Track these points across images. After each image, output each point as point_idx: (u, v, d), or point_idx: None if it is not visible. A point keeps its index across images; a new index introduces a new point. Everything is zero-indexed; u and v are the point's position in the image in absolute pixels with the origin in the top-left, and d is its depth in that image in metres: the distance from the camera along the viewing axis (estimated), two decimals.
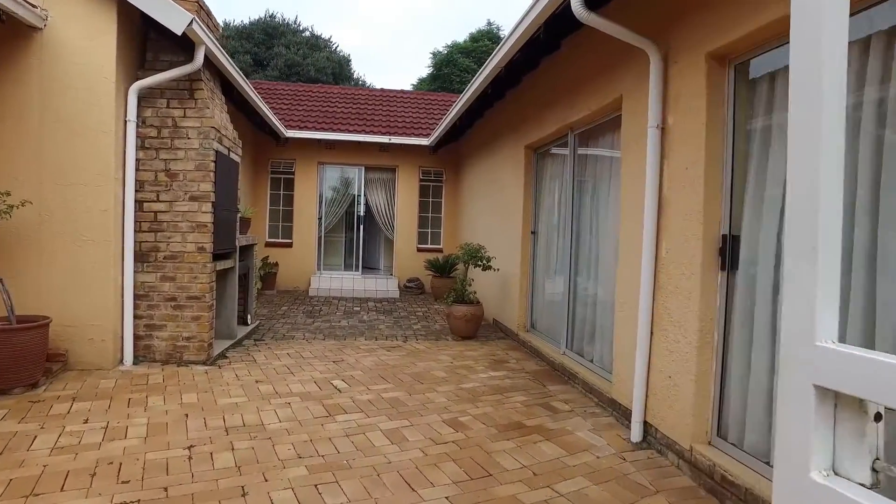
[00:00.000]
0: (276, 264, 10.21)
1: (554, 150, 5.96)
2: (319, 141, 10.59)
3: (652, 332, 3.47)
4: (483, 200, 8.71)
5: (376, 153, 10.94)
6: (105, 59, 4.41)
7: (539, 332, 6.20)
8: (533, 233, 6.50)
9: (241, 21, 28.79)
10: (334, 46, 30.22)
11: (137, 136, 4.76)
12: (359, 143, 10.63)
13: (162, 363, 4.89)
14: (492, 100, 7.32)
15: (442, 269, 9.93)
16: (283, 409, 3.90)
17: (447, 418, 3.85)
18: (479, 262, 6.67)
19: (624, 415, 3.80)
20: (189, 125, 4.85)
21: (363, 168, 11.02)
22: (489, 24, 32.57)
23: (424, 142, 10.50)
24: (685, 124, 3.20)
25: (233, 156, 5.72)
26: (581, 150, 5.25)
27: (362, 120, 10.96)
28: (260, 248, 10.53)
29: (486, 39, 29.18)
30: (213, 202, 4.94)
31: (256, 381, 4.53)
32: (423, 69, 35.91)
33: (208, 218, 4.90)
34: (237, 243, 6.05)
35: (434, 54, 29.86)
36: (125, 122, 4.66)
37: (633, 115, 3.84)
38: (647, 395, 3.50)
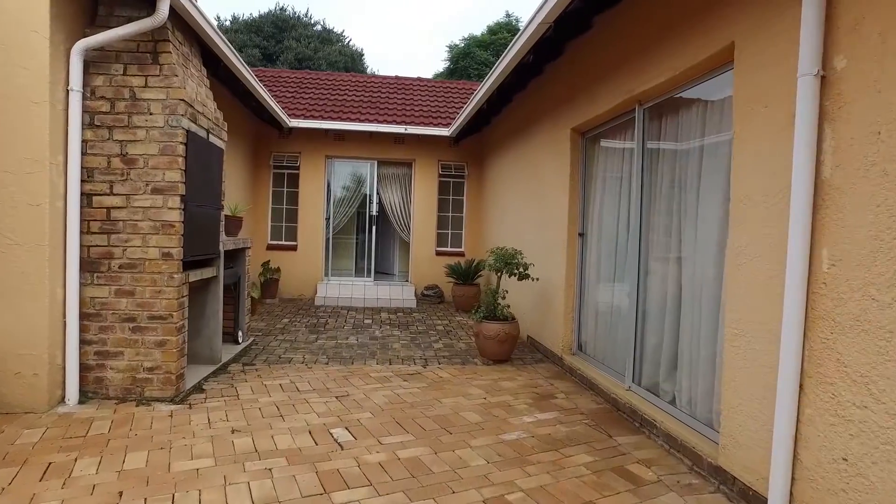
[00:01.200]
0: (278, 270, 9.20)
1: (611, 132, 4.85)
2: (327, 132, 9.57)
3: (802, 386, 2.34)
4: (513, 197, 7.60)
5: (391, 145, 9.89)
6: (35, 6, 3.41)
7: (591, 358, 5.07)
8: (581, 235, 5.38)
9: (251, 14, 28.06)
10: (347, 40, 29.35)
11: (84, 111, 3.75)
12: (371, 133, 9.60)
13: (117, 401, 3.87)
14: (526, 78, 6.23)
15: (464, 275, 8.84)
16: (260, 479, 2.83)
17: (490, 497, 2.76)
18: (515, 271, 5.56)
19: (744, 496, 2.67)
20: (151, 97, 3.83)
21: (376, 162, 9.98)
22: (507, 15, 31.48)
23: (444, 132, 9.42)
24: (871, 65, 2.07)
25: (214, 139, 4.69)
26: (654, 129, 4.12)
27: (375, 108, 9.92)
28: (260, 251, 9.54)
29: (504, 32, 28.06)
30: (182, 196, 3.91)
31: (233, 431, 3.48)
32: (440, 63, 34.91)
33: (176, 216, 3.87)
34: (222, 247, 5.03)
35: (451, 47, 28.86)
36: (67, 91, 3.65)
37: (758, 66, 2.71)
38: (793, 479, 2.36)
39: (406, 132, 9.35)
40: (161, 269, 3.85)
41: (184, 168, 3.92)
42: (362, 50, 31.52)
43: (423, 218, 10.01)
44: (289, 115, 9.14)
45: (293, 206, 9.85)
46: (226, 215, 6.02)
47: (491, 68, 6.42)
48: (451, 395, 4.44)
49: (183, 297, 4.01)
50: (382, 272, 11.83)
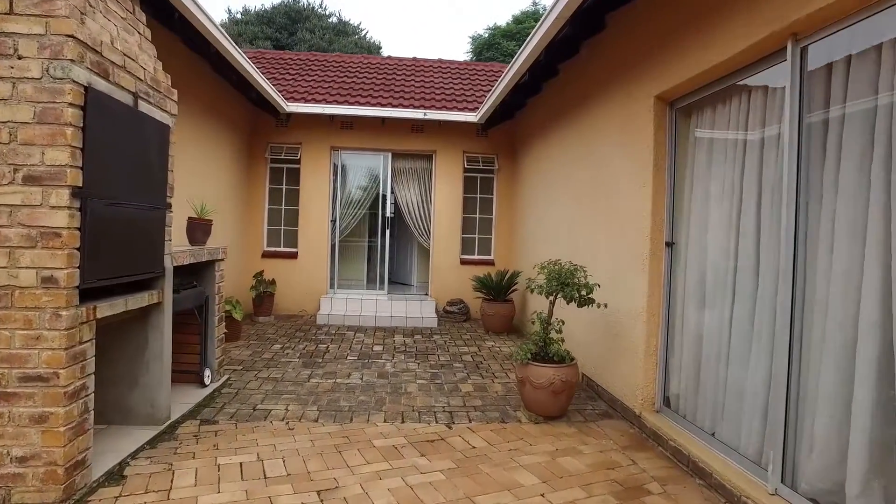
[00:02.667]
0: (273, 283, 7.85)
1: (724, 96, 3.34)
2: (332, 118, 8.20)
3: None
4: (560, 194, 6.10)
5: (407, 134, 8.48)
6: None
7: (689, 423, 3.55)
8: (669, 245, 3.88)
9: (262, 5, 27.03)
10: (364, 32, 28.14)
11: None
12: (384, 120, 8.20)
13: None
14: (581, 35, 4.77)
15: (496, 289, 7.37)
16: None
17: None
18: (575, 294, 4.07)
19: None
20: (20, 30, 2.46)
21: (390, 155, 8.58)
22: (534, 3, 29.90)
23: (471, 117, 7.98)
24: None
25: (149, 109, 3.32)
26: (821, 81, 2.62)
27: (389, 92, 8.52)
28: (253, 260, 8.22)
29: (531, 20, 26.53)
30: (75, 188, 2.53)
31: None
32: (462, 55, 33.43)
33: (63, 219, 2.50)
34: (170, 262, 3.66)
35: (473, 38, 27.45)
36: None
37: None
38: None
39: (425, 118, 7.92)
40: (40, 304, 2.48)
41: (79, 145, 2.55)
42: (380, 42, 30.26)
43: (446, 220, 8.57)
44: (286, 98, 7.80)
45: (293, 206, 8.51)
46: (191, 218, 4.68)
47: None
48: (491, 489, 2.97)
49: (81, 343, 2.64)
50: (398, 282, 10.43)
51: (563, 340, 4.24)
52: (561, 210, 6.03)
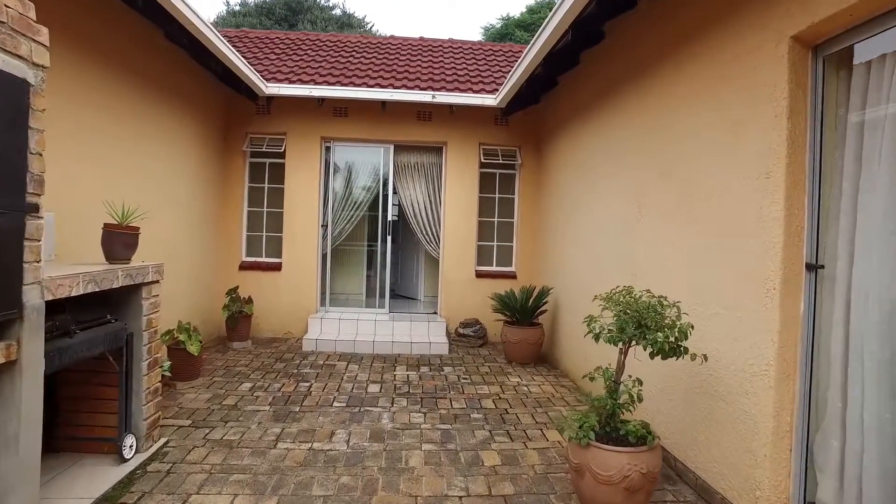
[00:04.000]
0: (250, 301, 6.54)
1: None
2: (322, 102, 6.91)
3: None
4: (608, 191, 4.74)
5: (413, 123, 7.17)
6: None
7: None
8: (814, 268, 2.53)
9: None
10: (369, 25, 26.91)
11: None
12: (385, 104, 6.90)
13: None
14: None
15: (521, 311, 6.03)
16: None
17: None
18: (659, 341, 2.71)
19: None
20: None
21: (392, 147, 7.28)
22: None
23: (489, 100, 6.65)
24: None
25: None
26: None
27: (391, 72, 7.21)
28: (230, 272, 6.94)
29: (546, 10, 25.21)
30: None
31: None
32: None
33: None
34: (36, 295, 2.36)
35: (486, 29, 26.15)
36: None
37: None
38: None
39: (434, 101, 6.60)
40: None
41: None
42: (388, 36, 29.04)
43: (459, 225, 7.24)
44: (267, 78, 6.52)
45: (277, 208, 7.22)
46: (107, 226, 3.40)
47: None
48: None
49: None
50: (402, 295, 9.12)
51: (632, 400, 2.88)
52: (608, 214, 4.68)
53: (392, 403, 4.67)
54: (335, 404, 4.59)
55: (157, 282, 3.57)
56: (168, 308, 4.92)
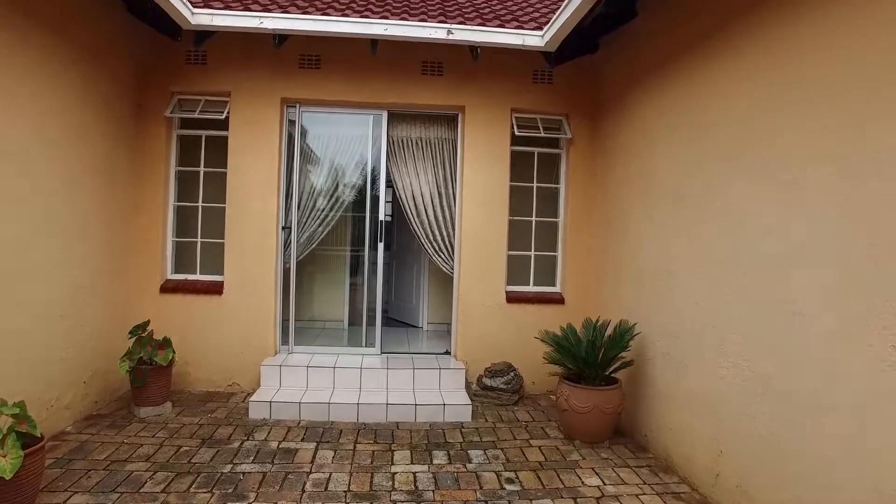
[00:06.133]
0: (166, 344, 4.29)
1: None
2: (281, 42, 4.69)
3: None
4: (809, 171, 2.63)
5: (416, 78, 5.01)
6: None
7: None
8: None
9: None
10: None
11: None
12: (376, 43, 4.70)
13: None
14: None
15: (590, 360, 3.87)
16: None
17: None
18: None
19: None
20: None
21: (385, 115, 5.11)
22: None
23: (533, 39, 4.50)
24: None
25: None
26: None
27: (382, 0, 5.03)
28: (138, 301, 4.77)
29: None
30: None
31: None
32: None
33: None
34: None
35: None
36: None
37: None
38: None
39: (451, 39, 4.43)
40: None
41: None
42: None
43: (481, 227, 5.08)
44: (193, 1, 4.32)
45: (217, 202, 5.01)
46: None
47: None
48: None
49: None
50: (397, 321, 6.95)
51: None
52: (766, 203, 2.56)
53: None
54: None
55: None
56: None
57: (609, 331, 4.07)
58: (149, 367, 4.06)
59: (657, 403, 3.74)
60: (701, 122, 3.34)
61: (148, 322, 4.27)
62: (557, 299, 5.17)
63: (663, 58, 3.81)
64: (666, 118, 3.76)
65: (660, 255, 3.77)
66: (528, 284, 5.29)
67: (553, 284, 5.33)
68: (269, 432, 3.99)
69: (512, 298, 5.10)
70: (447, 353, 5.27)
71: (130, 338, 4.12)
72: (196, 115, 4.89)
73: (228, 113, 4.89)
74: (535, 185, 5.32)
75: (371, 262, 5.23)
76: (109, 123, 4.31)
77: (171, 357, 4.14)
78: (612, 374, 3.98)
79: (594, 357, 3.89)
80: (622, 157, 4.51)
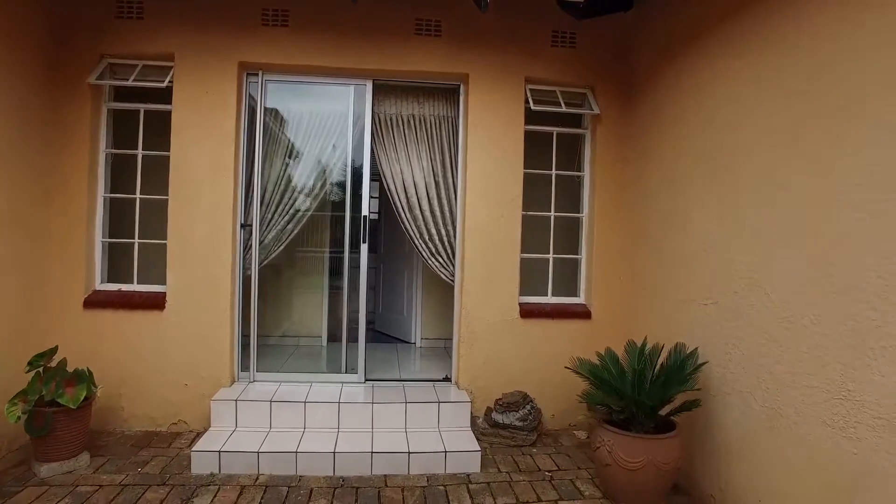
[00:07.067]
0: (81, 379, 3.28)
1: None
2: None
3: None
4: None
5: (407, 39, 4.04)
6: None
7: None
8: None
9: None
10: None
11: None
12: None
13: None
14: None
15: (637, 397, 2.94)
16: None
17: None
18: None
19: None
20: None
21: (369, 86, 4.15)
22: None
23: None
24: None
25: None
26: None
27: None
28: (59, 317, 3.74)
29: None
30: None
31: None
32: None
33: None
34: None
35: None
36: None
37: None
38: None
39: None
40: None
41: None
42: None
43: (488, 224, 4.12)
44: None
45: (159, 193, 4.00)
46: None
47: None
48: None
49: None
50: (385, 334, 6.01)
51: None
52: None
53: None
54: None
55: None
56: None
57: (661, 357, 3.14)
58: (53, 412, 3.05)
59: (731, 458, 2.81)
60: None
61: (55, 349, 3.25)
62: (581, 313, 4.23)
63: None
64: (754, 69, 2.83)
65: (741, 261, 2.84)
66: (546, 294, 4.35)
67: (575, 294, 4.40)
68: (214, 495, 3.01)
69: (526, 312, 4.15)
70: (447, 379, 4.31)
71: (29, 371, 3.11)
72: (130, 83, 3.88)
73: (172, 81, 3.89)
74: (553, 172, 4.37)
75: (352, 266, 4.26)
76: (11, 96, 3.30)
77: (83, 396, 3.13)
78: (671, 413, 3.05)
79: (646, 394, 2.96)
80: (673, 132, 3.58)
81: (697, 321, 3.16)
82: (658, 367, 3.09)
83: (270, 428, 3.65)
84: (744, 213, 2.80)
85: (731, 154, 2.93)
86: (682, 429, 3.00)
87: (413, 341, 5.61)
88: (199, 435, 3.72)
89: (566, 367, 3.29)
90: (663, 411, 3.04)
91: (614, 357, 3.22)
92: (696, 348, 3.06)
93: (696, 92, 3.27)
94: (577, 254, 4.41)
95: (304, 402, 3.70)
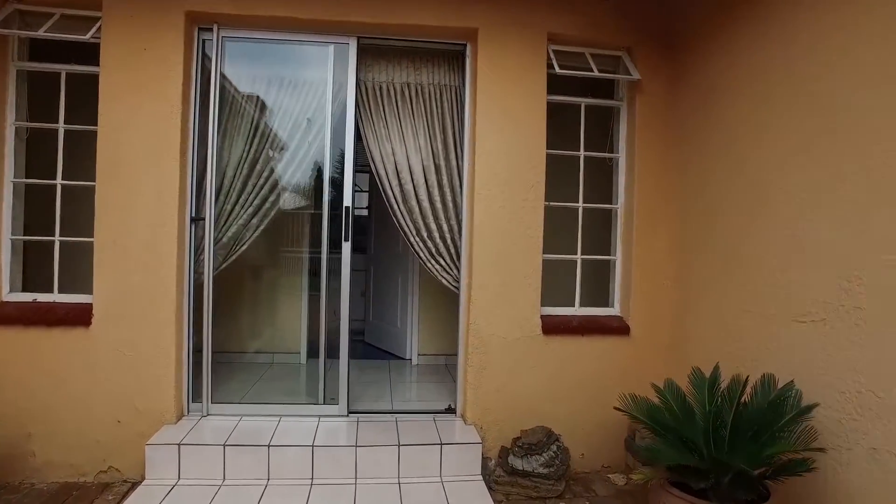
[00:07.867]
0: None
1: None
2: None
3: None
4: None
5: None
6: None
7: None
8: None
9: None
10: None
11: None
12: None
13: None
14: None
15: (714, 452, 2.13)
16: None
17: None
18: None
19: None
20: None
21: (354, 45, 3.33)
22: None
23: None
24: None
25: None
26: None
27: None
28: None
29: None
30: None
31: None
32: None
33: None
34: None
35: None
36: None
37: None
38: None
39: None
40: None
41: None
42: None
43: (501, 217, 3.30)
44: None
45: (85, 178, 3.15)
46: None
47: None
48: None
49: None
50: (375, 347, 5.20)
51: None
52: None
53: None
54: None
55: None
56: None
57: (752, 392, 2.33)
58: None
59: None
60: None
61: None
62: (617, 327, 3.42)
63: None
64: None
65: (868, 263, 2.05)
66: (573, 305, 3.53)
67: (608, 304, 3.59)
68: None
69: (550, 327, 3.34)
70: (450, 410, 3.49)
71: None
72: (41, 34, 3.03)
73: (100, 32, 3.05)
74: (581, 153, 3.56)
75: (331, 269, 3.44)
76: None
77: None
78: (768, 482, 2.24)
79: (730, 449, 2.15)
80: (750, 94, 2.78)
81: (787, 343, 2.36)
82: (740, 405, 2.28)
83: (224, 479, 2.83)
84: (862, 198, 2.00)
85: (859, 113, 2.13)
86: (780, 498, 2.20)
87: (408, 357, 4.79)
88: (133, 486, 2.90)
89: (616, 408, 2.47)
90: (759, 471, 2.22)
91: (677, 392, 2.42)
92: (792, 381, 2.27)
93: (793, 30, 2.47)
94: (611, 254, 3.60)
95: (268, 445, 2.87)
